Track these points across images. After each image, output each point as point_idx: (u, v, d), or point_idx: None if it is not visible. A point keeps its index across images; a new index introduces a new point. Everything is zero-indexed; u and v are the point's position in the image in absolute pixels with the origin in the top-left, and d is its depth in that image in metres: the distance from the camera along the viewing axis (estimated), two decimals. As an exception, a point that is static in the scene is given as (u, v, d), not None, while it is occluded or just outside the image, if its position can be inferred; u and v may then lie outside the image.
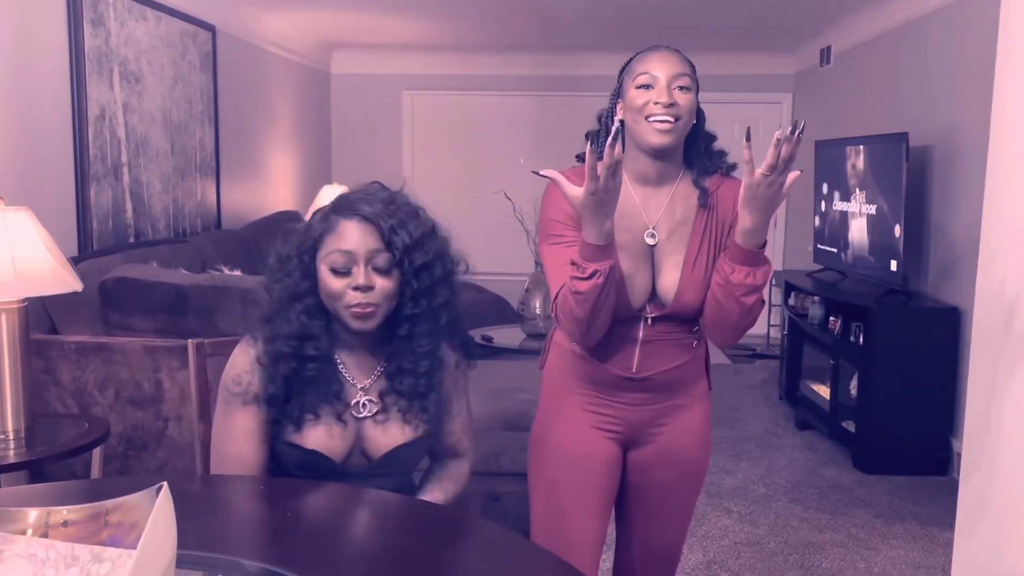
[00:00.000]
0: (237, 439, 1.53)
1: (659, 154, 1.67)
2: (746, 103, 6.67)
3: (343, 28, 5.89)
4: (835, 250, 4.74)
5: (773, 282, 6.00)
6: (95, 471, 2.74)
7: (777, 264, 6.70)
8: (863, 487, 3.71)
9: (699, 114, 1.73)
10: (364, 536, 1.25)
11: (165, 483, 0.90)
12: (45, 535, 0.95)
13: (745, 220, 1.55)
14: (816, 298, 4.51)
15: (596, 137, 1.76)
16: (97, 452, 2.71)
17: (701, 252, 1.71)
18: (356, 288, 1.48)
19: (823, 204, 4.94)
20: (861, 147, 4.36)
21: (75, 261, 3.10)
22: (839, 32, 5.52)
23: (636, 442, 1.83)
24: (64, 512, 0.95)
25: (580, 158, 1.73)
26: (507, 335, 4.68)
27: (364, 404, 1.57)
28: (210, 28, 4.56)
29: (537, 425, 1.89)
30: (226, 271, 3.31)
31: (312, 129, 6.54)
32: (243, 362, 1.54)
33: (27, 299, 2.51)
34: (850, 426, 4.03)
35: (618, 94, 1.73)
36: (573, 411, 1.80)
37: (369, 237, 1.49)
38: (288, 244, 1.57)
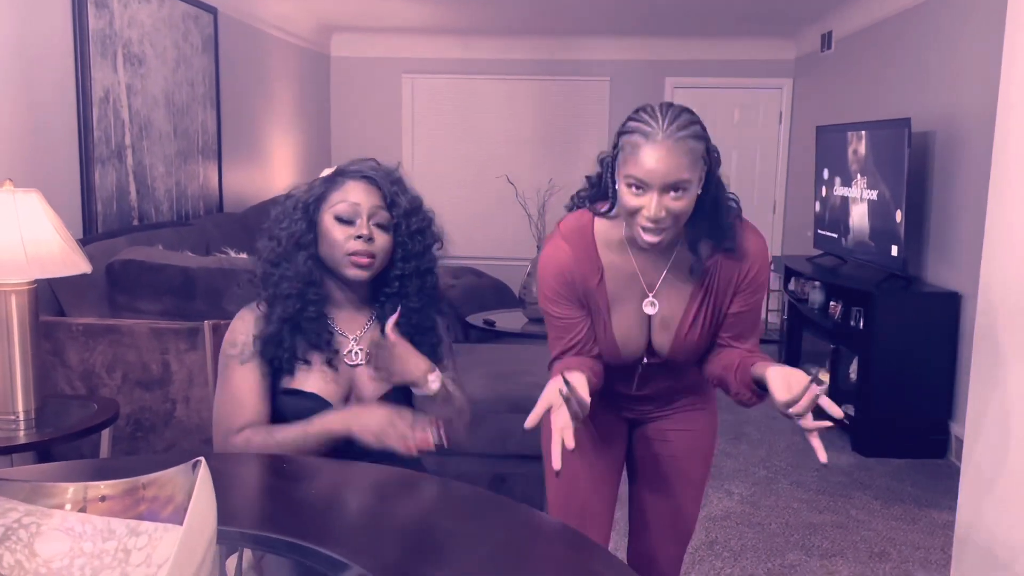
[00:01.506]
0: (240, 398, 1.59)
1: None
2: (746, 88, 6.68)
3: (343, 11, 5.87)
4: (835, 235, 4.76)
5: (772, 267, 6.04)
6: (104, 452, 2.76)
7: (776, 250, 6.73)
8: (862, 470, 3.75)
9: (716, 184, 1.57)
10: (385, 511, 1.27)
11: (203, 458, 0.92)
12: (83, 510, 0.97)
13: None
14: (816, 283, 4.53)
15: (599, 182, 1.66)
16: (106, 433, 2.72)
17: (696, 323, 1.68)
18: (359, 237, 1.58)
19: (824, 189, 4.95)
20: (863, 132, 4.38)
21: (81, 244, 3.11)
22: (840, 17, 5.52)
23: (641, 422, 1.89)
24: (101, 487, 0.97)
25: (575, 203, 1.72)
26: (509, 319, 4.70)
27: (356, 353, 1.66)
28: (211, 10, 4.54)
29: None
30: (232, 254, 3.32)
31: (312, 112, 6.53)
32: (237, 326, 1.64)
33: (36, 281, 2.52)
34: (849, 410, 4.07)
35: (616, 155, 1.56)
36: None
37: (373, 195, 1.62)
38: (292, 198, 1.65)
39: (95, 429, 2.61)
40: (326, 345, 1.63)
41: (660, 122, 1.45)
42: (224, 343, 1.65)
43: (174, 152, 4.17)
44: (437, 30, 6.54)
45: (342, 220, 1.60)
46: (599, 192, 1.67)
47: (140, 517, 1.00)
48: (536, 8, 5.63)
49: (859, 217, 4.42)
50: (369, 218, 1.60)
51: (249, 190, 5.26)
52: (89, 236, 3.34)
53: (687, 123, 1.47)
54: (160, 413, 2.96)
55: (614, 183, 1.57)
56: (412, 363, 1.56)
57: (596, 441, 1.85)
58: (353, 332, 1.68)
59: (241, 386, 1.59)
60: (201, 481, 0.84)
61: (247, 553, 1.52)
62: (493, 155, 6.79)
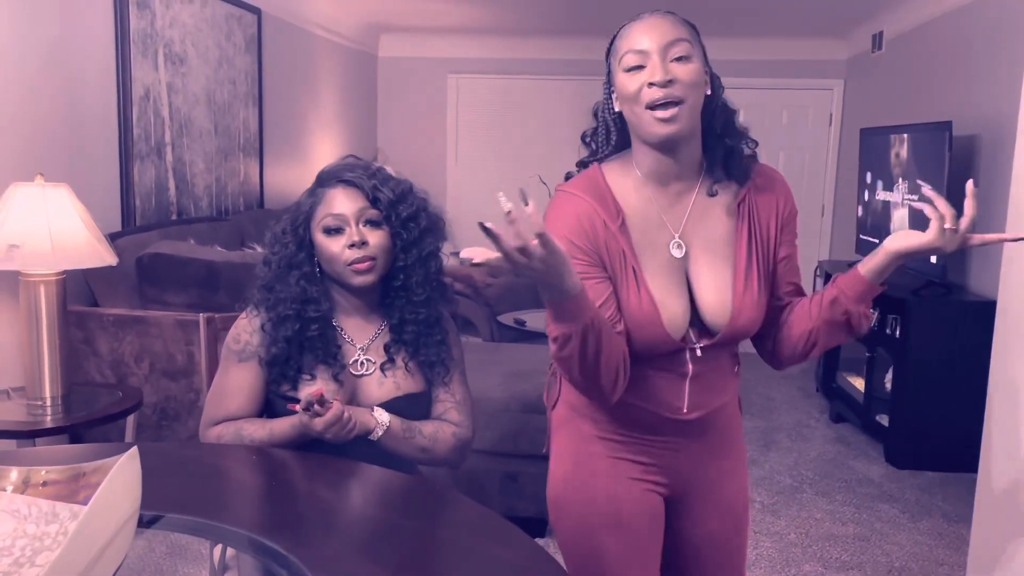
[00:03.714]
0: (231, 393, 1.62)
1: (669, 145, 1.37)
2: (796, 89, 6.55)
3: (389, 11, 5.93)
4: (877, 240, 4.63)
5: (817, 272, 5.91)
6: (128, 438, 2.86)
7: (824, 254, 6.59)
8: (892, 482, 3.66)
9: (723, 107, 1.43)
10: (337, 505, 1.30)
11: (135, 446, 0.96)
12: (24, 493, 1.01)
13: (895, 260, 1.32)
14: (854, 289, 4.43)
15: (594, 135, 1.51)
16: (130, 420, 2.82)
17: (751, 267, 1.42)
18: (352, 245, 1.59)
19: (866, 193, 4.84)
20: (905, 135, 4.26)
21: (116, 237, 3.22)
22: (892, 16, 5.37)
23: (680, 490, 1.53)
24: (43, 472, 1.01)
25: (581, 164, 1.53)
26: (540, 319, 4.70)
27: (363, 363, 1.65)
28: (256, 11, 4.65)
29: (557, 483, 1.54)
30: (259, 249, 3.39)
31: (358, 111, 6.62)
32: (244, 324, 1.65)
33: (65, 272, 2.62)
34: (883, 420, 3.97)
35: (610, 80, 1.43)
36: (602, 462, 1.48)
37: (355, 198, 1.62)
38: (281, 222, 1.68)
39: (119, 416, 2.71)
40: (333, 359, 1.62)
41: (646, 12, 1.39)
42: (228, 338, 1.66)
43: (214, 149, 4.28)
44: (483, 30, 6.57)
45: (331, 232, 1.61)
46: (598, 152, 1.50)
47: (82, 502, 1.04)
48: (581, 8, 5.62)
49: (900, 222, 4.30)
50: (357, 222, 1.60)
51: (292, 187, 5.36)
52: (125, 229, 3.45)
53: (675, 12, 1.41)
54: (184, 402, 3.05)
55: (614, 118, 1.45)
56: (352, 428, 1.52)
57: (632, 537, 1.48)
58: (361, 341, 1.67)
59: (233, 382, 1.62)
60: (119, 466, 0.87)
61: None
62: (536, 154, 6.79)
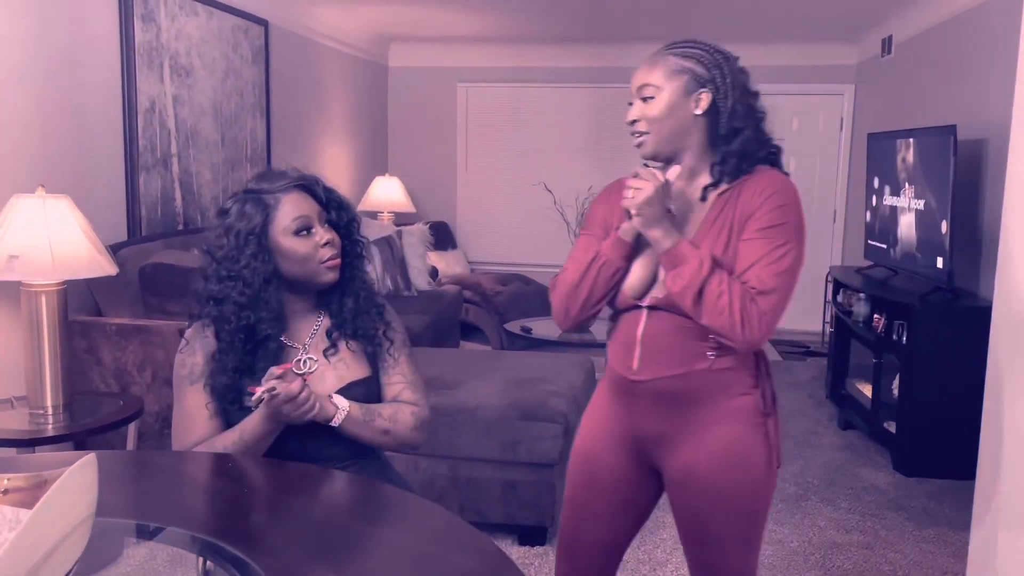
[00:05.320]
0: (192, 417, 1.61)
1: (658, 160, 1.66)
2: (807, 95, 6.52)
3: (400, 21, 5.98)
4: (884, 246, 4.60)
5: (827, 278, 5.87)
6: (130, 446, 2.89)
7: (835, 259, 6.54)
8: (899, 489, 3.62)
9: (739, 115, 1.60)
10: (304, 512, 1.31)
11: (93, 454, 0.97)
12: (-15, 500, 1.03)
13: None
14: (861, 295, 4.40)
15: None
16: (132, 428, 2.85)
17: (707, 240, 1.58)
18: (325, 244, 1.64)
19: (874, 199, 4.80)
20: (911, 140, 4.23)
21: (121, 247, 3.27)
22: (901, 20, 5.34)
23: (656, 458, 1.72)
24: (5, 480, 1.03)
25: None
26: (547, 327, 4.71)
27: (305, 361, 1.67)
28: (262, 23, 4.69)
29: (579, 430, 1.88)
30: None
31: (368, 122, 6.66)
32: (186, 348, 1.66)
33: (66, 282, 2.66)
34: (891, 427, 3.93)
35: None
36: (595, 417, 1.80)
37: (311, 201, 1.66)
38: (235, 233, 1.60)
39: (119, 424, 2.74)
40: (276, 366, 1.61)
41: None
42: (175, 364, 1.67)
43: (221, 160, 4.32)
44: (492, 39, 6.60)
45: (299, 234, 1.62)
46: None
47: (44, 509, 1.05)
48: (589, 16, 5.63)
49: (907, 227, 4.27)
50: (320, 222, 1.65)
51: (300, 196, 5.39)
52: (130, 240, 3.49)
53: (683, 44, 1.62)
54: (186, 411, 3.07)
55: None
56: (317, 409, 1.55)
57: (590, 475, 1.78)
58: (301, 340, 1.69)
59: (192, 405, 1.62)
60: (68, 475, 0.88)
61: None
62: (545, 162, 6.80)
